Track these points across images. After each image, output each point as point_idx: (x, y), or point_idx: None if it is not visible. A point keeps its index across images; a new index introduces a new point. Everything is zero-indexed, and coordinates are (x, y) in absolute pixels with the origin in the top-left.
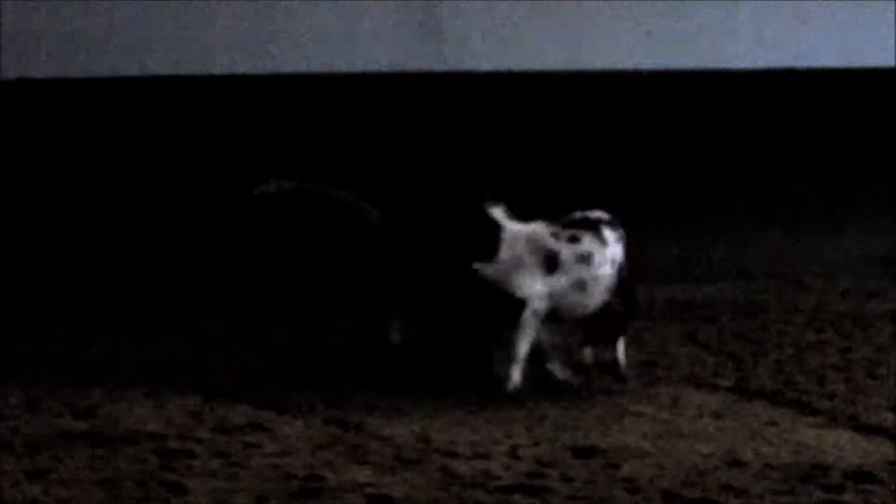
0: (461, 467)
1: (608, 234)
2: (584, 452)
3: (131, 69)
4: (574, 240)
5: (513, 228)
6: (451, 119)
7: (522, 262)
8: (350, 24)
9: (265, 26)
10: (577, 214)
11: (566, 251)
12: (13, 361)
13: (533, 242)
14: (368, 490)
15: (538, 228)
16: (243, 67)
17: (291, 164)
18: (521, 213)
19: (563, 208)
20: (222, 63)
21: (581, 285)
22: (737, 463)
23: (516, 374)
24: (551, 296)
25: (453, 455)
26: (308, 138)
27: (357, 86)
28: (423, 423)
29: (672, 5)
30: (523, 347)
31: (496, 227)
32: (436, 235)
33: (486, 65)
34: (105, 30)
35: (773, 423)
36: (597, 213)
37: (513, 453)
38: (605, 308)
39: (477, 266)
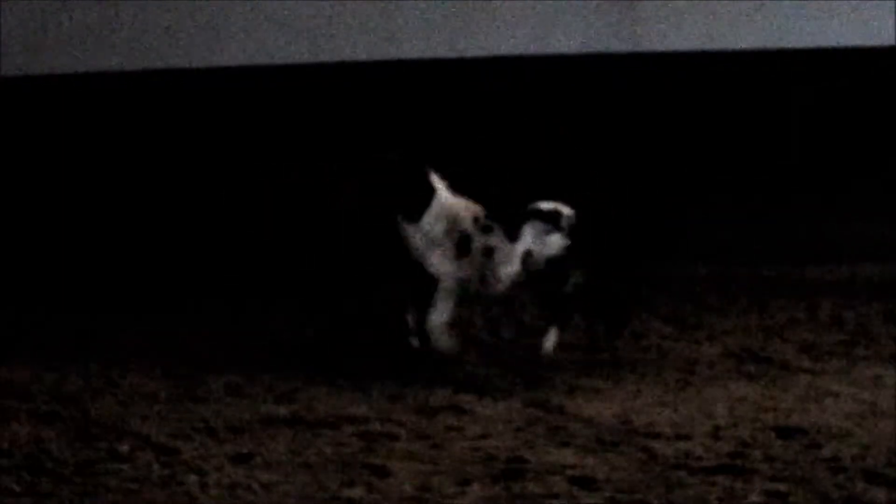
0: (663, 448)
1: (529, 229)
2: (785, 432)
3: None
4: (487, 230)
5: (445, 200)
6: (649, 100)
7: (439, 241)
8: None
9: (460, 8)
10: (541, 203)
11: (477, 240)
12: (213, 348)
13: (453, 222)
14: (570, 472)
15: (465, 210)
16: (435, 50)
17: (474, 147)
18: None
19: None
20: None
21: (482, 276)
22: None
23: (444, 339)
24: (459, 279)
25: (655, 436)
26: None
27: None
28: (624, 404)
29: None
30: (436, 318)
31: (430, 193)
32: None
33: (682, 45)
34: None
35: None
36: (554, 205)
37: (714, 434)
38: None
39: (400, 221)
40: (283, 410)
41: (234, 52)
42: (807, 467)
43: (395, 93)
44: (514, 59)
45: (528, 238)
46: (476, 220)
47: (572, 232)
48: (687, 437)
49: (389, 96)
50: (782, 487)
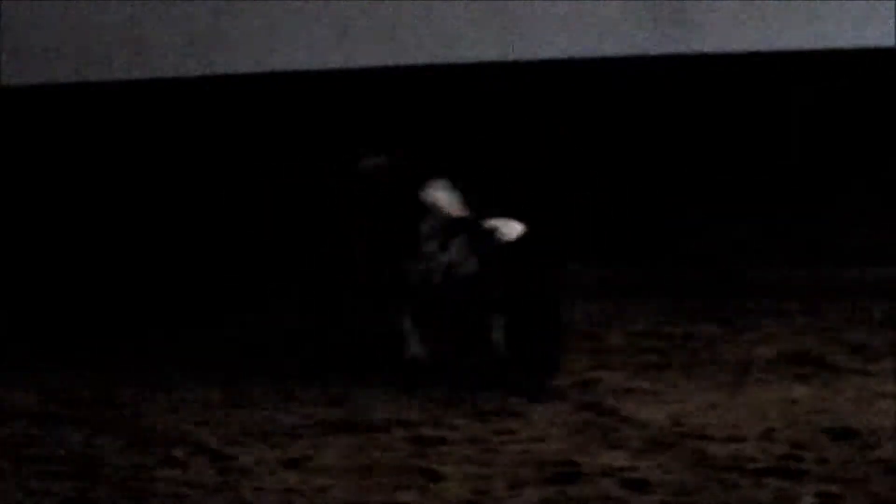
0: (715, 450)
1: (457, 242)
2: (838, 434)
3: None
4: (446, 235)
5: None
6: (699, 102)
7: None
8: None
9: (509, 11)
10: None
11: (427, 243)
12: (266, 353)
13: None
14: (623, 474)
15: (445, 209)
16: (490, 53)
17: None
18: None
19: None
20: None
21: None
22: None
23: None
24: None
25: (707, 438)
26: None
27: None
28: (677, 406)
29: None
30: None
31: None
32: None
33: (730, 46)
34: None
35: None
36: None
37: (767, 436)
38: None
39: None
40: (335, 415)
41: (288, 55)
42: (860, 469)
43: (446, 97)
44: (561, 62)
45: (453, 251)
46: (444, 221)
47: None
48: (739, 439)
49: (440, 100)
50: (835, 489)
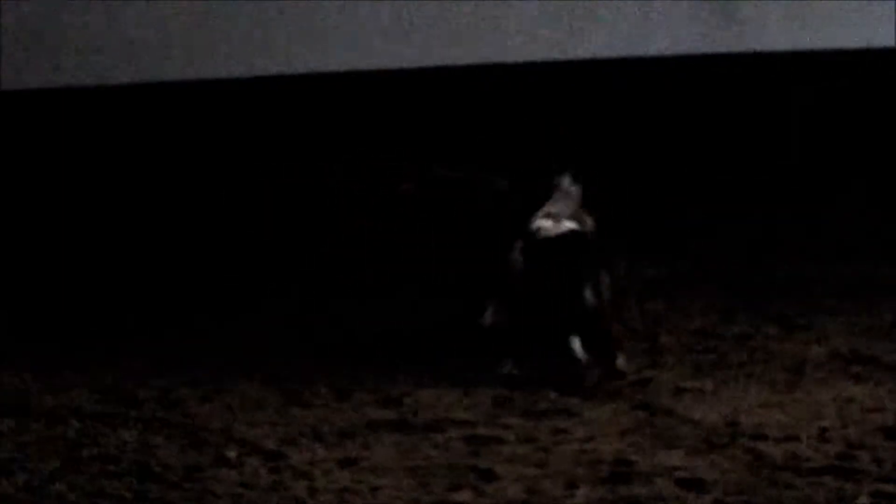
0: (770, 450)
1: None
2: (893, 434)
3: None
4: None
5: None
6: (751, 101)
7: None
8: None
9: (569, 10)
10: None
11: None
12: (318, 353)
13: None
14: (678, 474)
15: None
16: (544, 52)
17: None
18: None
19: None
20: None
21: None
22: None
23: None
24: None
25: (762, 438)
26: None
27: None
28: (731, 405)
29: None
30: None
31: None
32: None
33: (782, 44)
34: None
35: None
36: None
37: (822, 435)
38: None
39: None
40: (389, 414)
41: (335, 56)
42: None
43: (497, 97)
44: (613, 61)
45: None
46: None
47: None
48: (794, 439)
49: (492, 100)
50: (891, 489)
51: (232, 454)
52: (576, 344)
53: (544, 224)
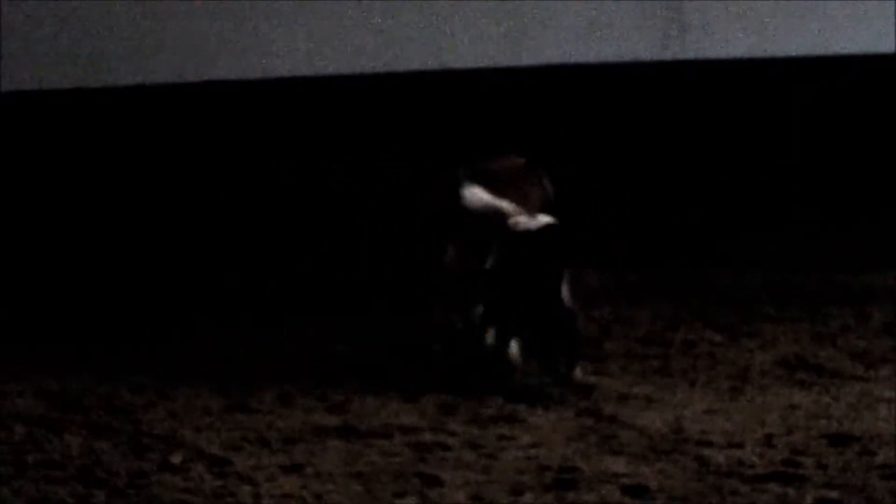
0: (715, 456)
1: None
2: (838, 440)
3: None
4: None
5: None
6: (702, 109)
7: None
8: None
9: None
10: None
11: None
12: (262, 359)
13: None
14: (623, 481)
15: None
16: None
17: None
18: None
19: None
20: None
21: None
22: None
23: None
24: None
25: (707, 444)
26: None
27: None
28: (676, 412)
29: None
30: None
31: None
32: None
33: (733, 51)
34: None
35: None
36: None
37: (767, 442)
38: None
39: None
40: (334, 420)
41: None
42: (860, 475)
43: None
44: (567, 67)
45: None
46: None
47: None
48: (739, 445)
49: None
50: (835, 495)
51: (177, 460)
52: (513, 348)
53: (520, 219)
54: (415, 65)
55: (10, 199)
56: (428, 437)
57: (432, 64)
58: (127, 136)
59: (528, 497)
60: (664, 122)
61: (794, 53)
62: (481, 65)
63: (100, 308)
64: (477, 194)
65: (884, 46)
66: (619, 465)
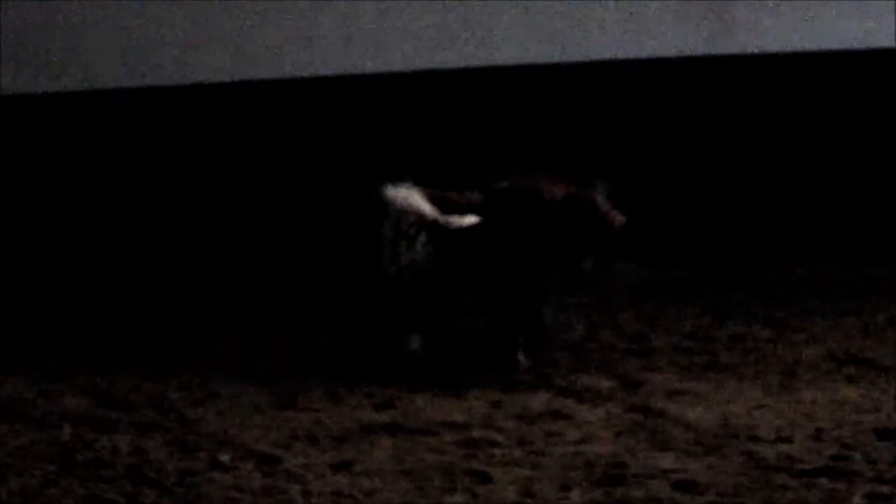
0: (764, 451)
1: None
2: (887, 434)
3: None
4: None
5: None
6: (745, 104)
7: None
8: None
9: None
10: None
11: None
12: (312, 357)
13: None
14: (672, 476)
15: None
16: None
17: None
18: None
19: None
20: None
21: None
22: None
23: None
24: None
25: (756, 439)
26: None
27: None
28: (725, 407)
29: None
30: None
31: None
32: None
33: (774, 46)
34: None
35: None
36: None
37: (816, 436)
38: None
39: None
40: (383, 418)
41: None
42: None
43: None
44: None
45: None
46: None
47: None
48: (788, 440)
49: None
50: (884, 489)
51: (226, 458)
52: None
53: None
54: (460, 62)
55: (43, 201)
56: (476, 433)
57: (477, 62)
58: (154, 137)
59: (576, 493)
60: (709, 117)
61: (838, 47)
62: (526, 62)
63: (148, 308)
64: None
65: None
66: (667, 460)
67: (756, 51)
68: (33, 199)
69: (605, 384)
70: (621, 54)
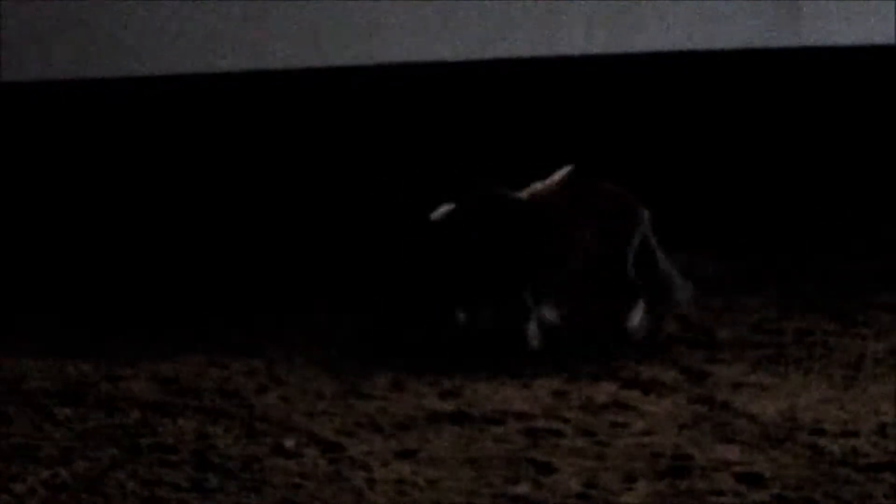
0: (829, 445)
1: None
2: None
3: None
4: None
5: None
6: (813, 96)
7: None
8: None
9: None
10: None
11: None
12: (376, 344)
13: None
14: (736, 469)
15: None
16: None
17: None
18: None
19: None
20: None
21: None
22: None
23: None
24: None
25: (821, 433)
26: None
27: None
28: (790, 401)
29: None
30: None
31: None
32: None
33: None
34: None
35: None
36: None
37: (881, 431)
38: None
39: None
40: (447, 406)
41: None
42: None
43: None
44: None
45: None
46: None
47: None
48: (853, 434)
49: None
50: None
51: (290, 444)
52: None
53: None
54: (526, 52)
55: (115, 185)
56: (541, 423)
57: (546, 51)
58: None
59: (641, 484)
60: (777, 108)
61: None
62: (591, 52)
63: (213, 292)
64: None
65: None
66: (732, 452)
67: (827, 43)
68: (88, 181)
69: (669, 376)
70: (692, 46)
